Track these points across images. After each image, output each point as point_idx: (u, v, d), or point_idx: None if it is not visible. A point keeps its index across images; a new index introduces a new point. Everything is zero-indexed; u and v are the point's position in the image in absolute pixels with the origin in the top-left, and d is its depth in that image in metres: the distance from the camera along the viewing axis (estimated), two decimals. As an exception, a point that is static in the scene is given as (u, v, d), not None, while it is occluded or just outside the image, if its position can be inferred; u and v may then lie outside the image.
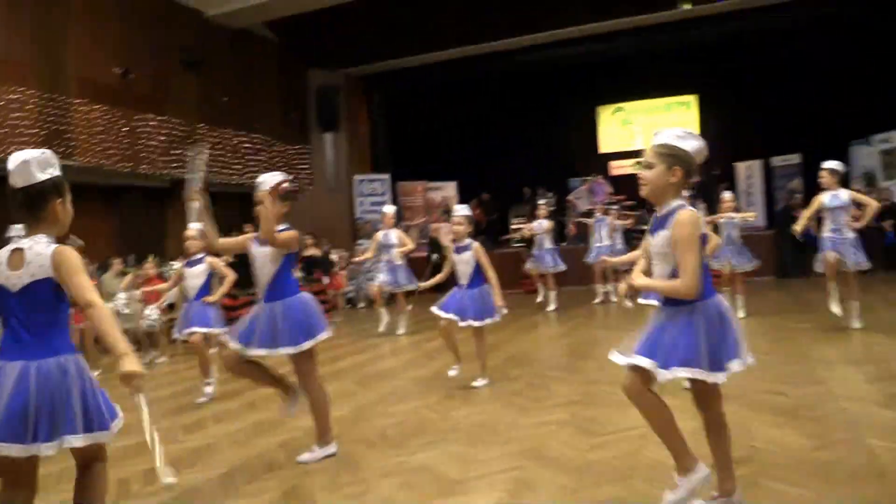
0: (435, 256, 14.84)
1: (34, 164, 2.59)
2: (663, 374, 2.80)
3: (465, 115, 18.35)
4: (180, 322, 6.41)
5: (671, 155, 2.87)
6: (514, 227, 16.49)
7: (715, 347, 2.80)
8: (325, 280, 11.90)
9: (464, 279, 5.98)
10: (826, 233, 7.35)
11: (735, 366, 2.84)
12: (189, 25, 13.35)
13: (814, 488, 3.18)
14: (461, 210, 6.12)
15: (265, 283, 4.13)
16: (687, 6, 14.18)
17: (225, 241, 4.46)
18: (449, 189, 17.48)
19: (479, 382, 5.91)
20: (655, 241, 2.92)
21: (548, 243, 11.24)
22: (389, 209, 9.80)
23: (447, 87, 17.95)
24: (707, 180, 13.85)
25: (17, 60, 10.48)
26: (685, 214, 2.82)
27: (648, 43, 15.84)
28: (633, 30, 15.14)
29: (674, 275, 2.84)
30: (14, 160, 2.59)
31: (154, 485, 3.95)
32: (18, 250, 2.57)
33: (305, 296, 4.24)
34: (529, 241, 13.16)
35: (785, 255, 13.75)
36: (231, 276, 6.41)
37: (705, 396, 3.01)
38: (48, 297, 2.55)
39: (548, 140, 18.74)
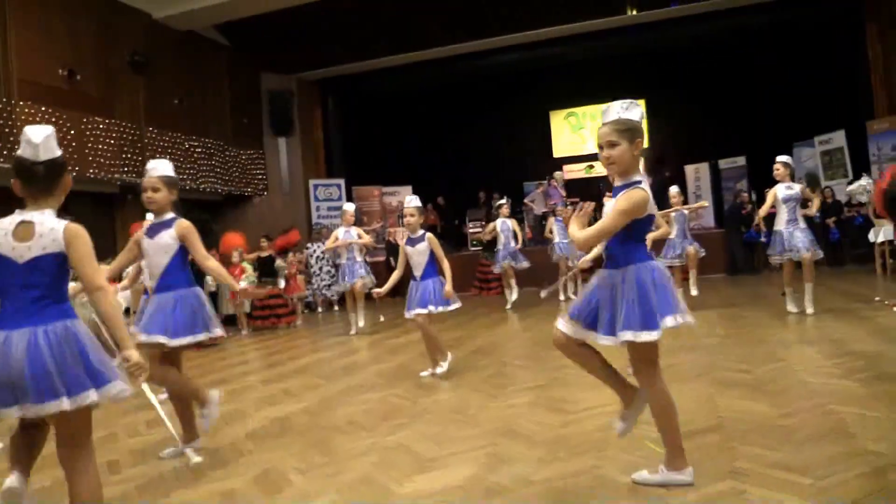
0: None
1: (53, 138, 2.64)
2: (615, 340, 2.90)
3: (420, 119, 18.42)
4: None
5: (629, 129, 2.95)
6: (471, 230, 16.61)
7: (646, 308, 2.86)
8: (281, 283, 11.75)
9: (417, 271, 5.93)
10: (780, 225, 7.63)
11: (669, 321, 2.87)
12: (137, 27, 13.06)
13: (785, 450, 3.25)
14: (412, 201, 6.05)
15: (157, 273, 3.99)
16: (633, 11, 14.49)
17: (118, 262, 4.16)
18: (404, 194, 17.40)
19: (441, 369, 5.86)
20: (607, 210, 3.06)
21: (512, 242, 11.35)
22: (350, 206, 9.72)
23: (401, 92, 17.98)
24: (658, 183, 14.13)
25: (-43, 62, 10.15)
26: (635, 191, 2.91)
27: (597, 48, 16.10)
28: (582, 35, 15.37)
29: (613, 241, 2.97)
30: (38, 134, 2.60)
31: (119, 473, 3.83)
32: (27, 223, 2.55)
33: (199, 290, 4.06)
34: (489, 244, 13.28)
35: (734, 253, 14.11)
36: None
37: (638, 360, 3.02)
38: (54, 269, 2.56)
39: (502, 145, 18.91)
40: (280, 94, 16.12)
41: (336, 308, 13.69)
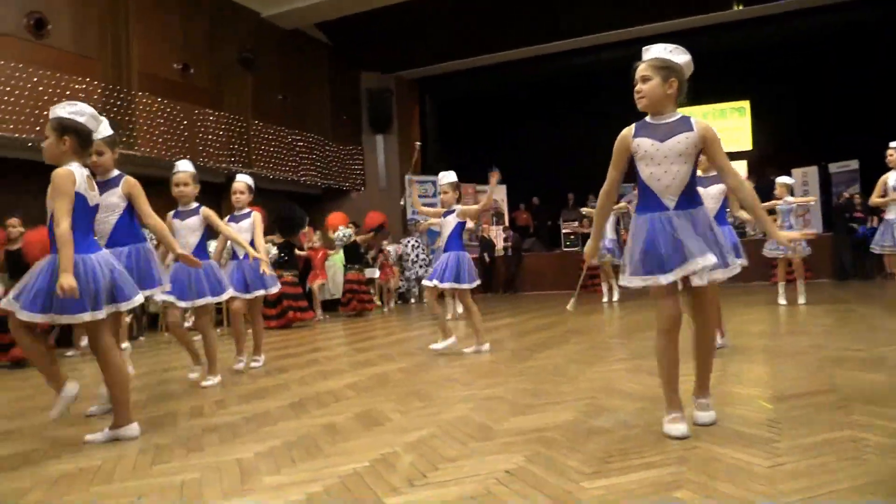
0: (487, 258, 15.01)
1: None
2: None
3: (515, 118, 18.41)
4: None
5: (666, 67, 2.95)
6: (565, 231, 16.48)
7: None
8: (376, 272, 11.94)
9: (442, 242, 5.89)
10: (891, 214, 7.10)
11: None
12: (246, 24, 13.67)
13: (909, 409, 3.06)
14: (444, 178, 5.88)
15: (107, 231, 3.95)
16: (739, 6, 14.06)
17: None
18: (499, 192, 17.47)
19: (471, 349, 5.71)
20: (672, 146, 2.93)
21: (610, 234, 11.09)
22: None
23: (498, 90, 18.06)
24: (763, 186, 13.60)
25: (84, 55, 10.86)
26: (705, 122, 3.00)
27: (700, 46, 15.58)
28: (684, 32, 15.01)
29: (693, 176, 2.96)
30: (91, 110, 3.44)
31: (227, 408, 3.99)
32: (90, 176, 3.44)
33: (149, 245, 4.13)
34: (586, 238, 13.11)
35: (843, 258, 13.39)
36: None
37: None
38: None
39: (597, 145, 18.57)
40: (379, 93, 16.50)
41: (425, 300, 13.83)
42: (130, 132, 11.13)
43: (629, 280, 3.00)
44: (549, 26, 14.96)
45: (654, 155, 2.96)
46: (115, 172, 4.05)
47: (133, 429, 3.41)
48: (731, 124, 18.70)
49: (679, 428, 2.87)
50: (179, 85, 12.27)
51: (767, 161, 16.89)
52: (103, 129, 4.09)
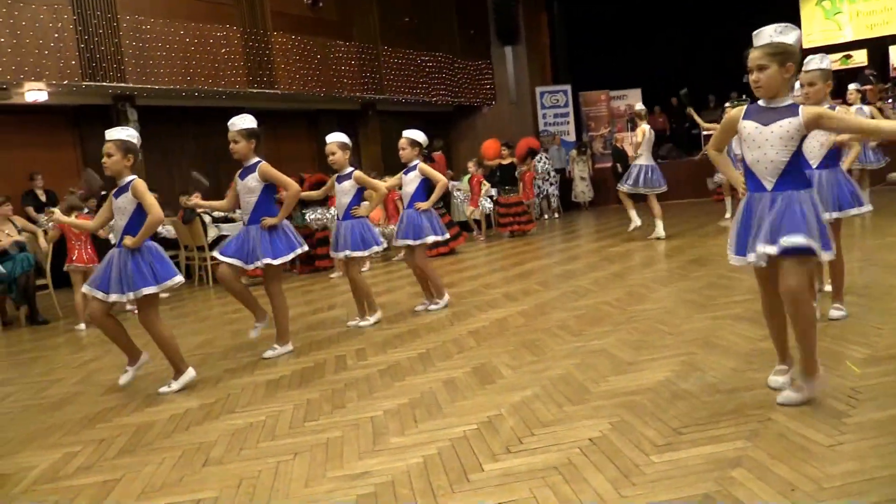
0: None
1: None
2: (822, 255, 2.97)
3: (648, 19, 17.60)
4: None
5: (781, 52, 2.97)
6: (706, 133, 15.89)
7: (822, 230, 2.97)
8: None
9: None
10: None
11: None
12: (371, -50, 13.89)
13: None
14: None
15: (249, 209, 4.79)
16: None
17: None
18: (633, 97, 17.04)
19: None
20: (773, 129, 3.01)
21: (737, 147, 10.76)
22: (639, 105, 9.80)
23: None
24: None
25: (222, 2, 11.60)
26: (813, 107, 3.12)
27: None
28: None
29: (795, 159, 3.01)
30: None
31: (366, 360, 4.63)
32: None
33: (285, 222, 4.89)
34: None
35: None
36: (382, 189, 5.86)
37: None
38: None
39: (739, 40, 17.47)
40: (505, 3, 16.29)
41: (557, 215, 14.12)
42: (269, 71, 11.88)
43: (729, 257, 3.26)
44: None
45: (756, 138, 3.07)
46: (254, 159, 4.77)
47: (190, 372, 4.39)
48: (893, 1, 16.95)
49: (775, 380, 3.30)
50: (310, 20, 12.83)
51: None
52: (239, 122, 4.75)
